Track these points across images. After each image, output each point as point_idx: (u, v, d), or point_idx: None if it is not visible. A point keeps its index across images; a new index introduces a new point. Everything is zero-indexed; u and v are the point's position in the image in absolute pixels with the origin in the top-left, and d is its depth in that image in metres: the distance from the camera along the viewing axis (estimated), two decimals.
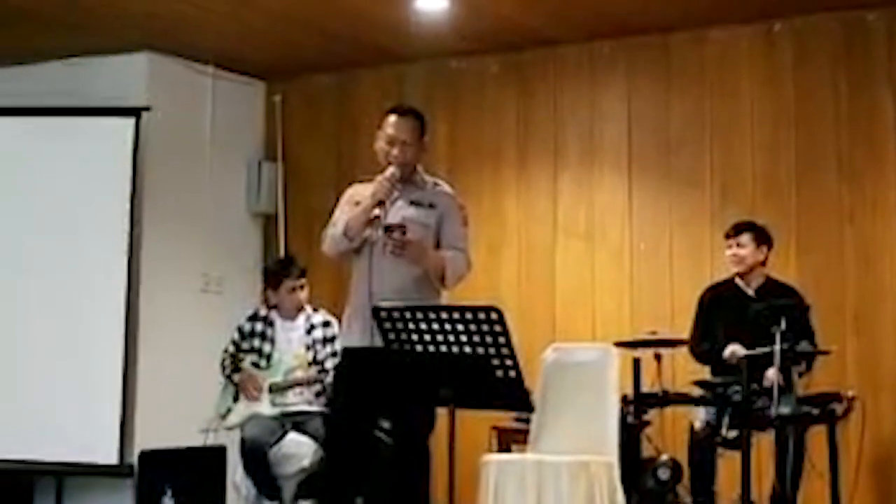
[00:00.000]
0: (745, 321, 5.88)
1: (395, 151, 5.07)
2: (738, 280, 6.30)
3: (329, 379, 6.40)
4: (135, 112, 7.37)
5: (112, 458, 7.10)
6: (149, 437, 7.22)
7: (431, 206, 5.12)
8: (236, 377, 6.57)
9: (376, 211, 4.97)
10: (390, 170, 5.04)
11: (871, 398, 6.21)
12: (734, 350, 5.90)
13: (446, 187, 5.27)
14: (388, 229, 4.88)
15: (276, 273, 6.74)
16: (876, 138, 6.73)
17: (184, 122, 7.83)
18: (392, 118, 5.13)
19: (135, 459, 7.12)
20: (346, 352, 5.19)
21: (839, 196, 6.80)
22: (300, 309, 6.68)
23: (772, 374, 5.63)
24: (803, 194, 6.89)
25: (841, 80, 6.84)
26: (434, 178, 5.29)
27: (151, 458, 7.14)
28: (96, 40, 7.39)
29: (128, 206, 7.28)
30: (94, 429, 7.13)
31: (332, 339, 6.55)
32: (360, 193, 5.13)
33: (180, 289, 7.70)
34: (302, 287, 6.66)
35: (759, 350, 5.59)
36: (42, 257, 7.27)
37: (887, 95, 6.69)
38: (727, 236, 6.32)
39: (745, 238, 6.25)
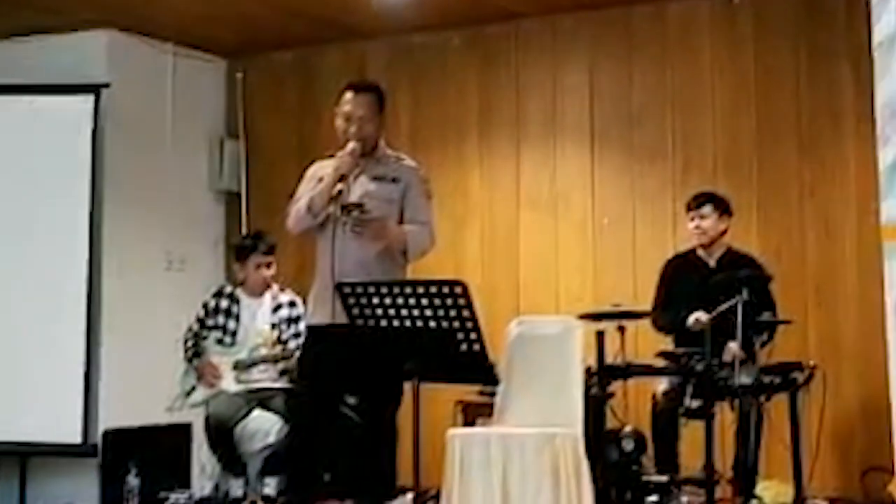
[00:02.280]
0: (706, 292, 5.91)
1: (352, 128, 5.07)
2: (699, 251, 6.33)
3: (294, 359, 6.39)
4: (94, 89, 7.32)
5: (76, 438, 7.07)
6: (113, 416, 7.20)
7: (395, 180, 5.12)
8: (195, 363, 6.55)
9: (339, 186, 4.97)
10: (350, 145, 5.03)
11: (832, 367, 6.26)
12: (698, 317, 5.93)
13: (410, 161, 5.26)
14: (346, 208, 4.89)
15: (245, 247, 6.73)
16: (836, 110, 6.78)
17: (144, 99, 7.78)
18: (348, 94, 5.12)
19: (99, 438, 7.10)
20: (311, 329, 5.19)
21: (799, 168, 6.85)
22: (266, 287, 6.67)
23: (733, 346, 5.68)
24: (764, 166, 6.94)
25: (801, 51, 6.88)
26: (397, 152, 5.29)
27: (116, 436, 7.14)
28: (55, 17, 7.32)
29: (88, 183, 7.23)
30: (57, 408, 7.09)
31: (297, 320, 6.54)
32: (323, 169, 5.12)
33: (143, 267, 7.66)
34: (269, 265, 6.65)
35: (723, 307, 5.62)
36: (1, 237, 7.21)
37: (847, 67, 6.73)
38: (688, 208, 6.34)
39: (707, 209, 6.28)
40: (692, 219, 6.31)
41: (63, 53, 7.53)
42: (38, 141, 7.30)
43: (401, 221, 5.09)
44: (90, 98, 7.30)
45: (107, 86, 7.33)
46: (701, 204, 6.28)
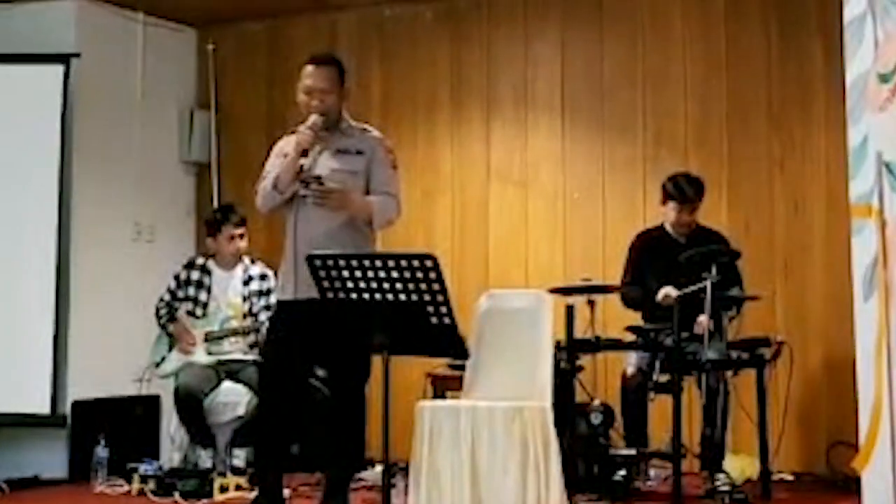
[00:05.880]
0: (675, 268, 5.92)
1: (314, 102, 5.10)
2: (668, 227, 6.34)
3: (263, 332, 6.39)
4: (64, 59, 7.25)
5: (45, 409, 7.03)
6: (82, 387, 7.16)
7: (359, 152, 5.14)
8: (171, 328, 6.56)
9: (301, 161, 4.99)
10: (312, 118, 5.06)
11: (799, 342, 6.32)
12: (667, 292, 5.94)
13: (374, 132, 5.27)
14: (305, 182, 4.91)
15: (216, 220, 6.72)
16: (805, 85, 6.81)
17: (114, 69, 7.71)
18: (308, 68, 5.15)
19: (68, 409, 7.07)
20: (281, 304, 5.20)
21: (769, 142, 6.89)
22: (238, 258, 6.66)
23: (703, 319, 5.70)
24: (734, 140, 6.96)
25: (772, 27, 6.91)
26: (361, 123, 5.29)
27: (85, 407, 7.10)
28: None
29: (57, 154, 7.17)
30: (26, 379, 7.04)
31: (267, 293, 6.54)
32: (289, 145, 5.14)
33: (112, 238, 7.61)
34: (242, 236, 6.65)
35: (693, 287, 5.63)
36: None
37: (817, 43, 6.76)
38: (677, 199, 6.15)
39: (698, 203, 6.21)
40: (679, 211, 6.18)
41: (31, 23, 7.44)
42: (7, 111, 7.22)
43: (367, 192, 5.10)
44: (60, 68, 7.23)
45: (77, 55, 7.26)
46: (689, 200, 6.14)
